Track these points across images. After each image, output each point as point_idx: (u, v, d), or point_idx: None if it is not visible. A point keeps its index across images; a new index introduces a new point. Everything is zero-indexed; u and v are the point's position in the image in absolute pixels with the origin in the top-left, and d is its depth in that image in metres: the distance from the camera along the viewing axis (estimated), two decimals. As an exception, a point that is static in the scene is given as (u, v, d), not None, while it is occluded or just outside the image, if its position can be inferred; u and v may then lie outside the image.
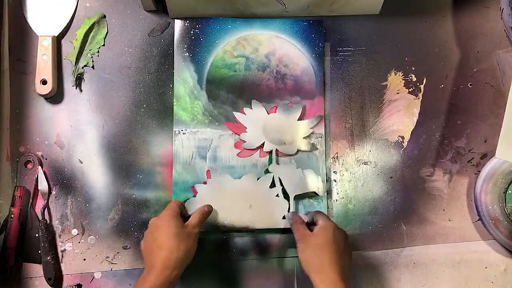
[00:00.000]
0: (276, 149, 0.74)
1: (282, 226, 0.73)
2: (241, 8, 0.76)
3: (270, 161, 0.74)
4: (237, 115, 0.75)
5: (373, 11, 0.78)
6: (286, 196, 0.74)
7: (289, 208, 0.73)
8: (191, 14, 0.76)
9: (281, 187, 0.73)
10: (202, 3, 0.74)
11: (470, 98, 0.77)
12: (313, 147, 0.74)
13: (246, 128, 0.75)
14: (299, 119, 0.75)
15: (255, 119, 0.75)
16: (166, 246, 0.62)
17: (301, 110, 0.75)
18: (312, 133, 0.75)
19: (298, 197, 0.74)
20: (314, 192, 0.74)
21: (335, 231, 0.65)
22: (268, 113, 0.75)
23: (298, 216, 0.70)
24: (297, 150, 0.74)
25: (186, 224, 0.66)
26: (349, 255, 0.65)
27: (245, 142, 0.74)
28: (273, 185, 0.74)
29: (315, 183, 0.74)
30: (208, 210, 0.70)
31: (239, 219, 0.73)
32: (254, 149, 0.74)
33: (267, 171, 0.74)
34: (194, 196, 0.73)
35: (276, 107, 0.75)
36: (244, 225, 0.73)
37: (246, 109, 0.75)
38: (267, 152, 0.74)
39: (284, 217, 0.73)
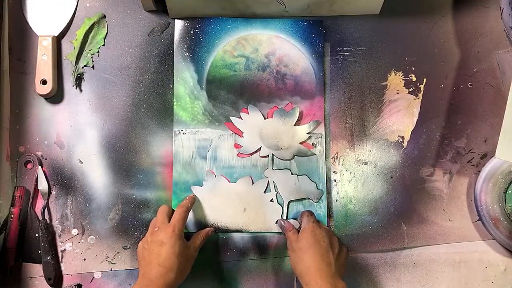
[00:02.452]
0: (273, 153, 0.74)
1: (275, 231, 0.73)
2: (241, 8, 0.76)
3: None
4: (234, 120, 0.75)
5: (373, 11, 0.78)
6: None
7: (282, 214, 0.73)
8: (191, 14, 0.76)
9: (276, 192, 0.74)
10: (202, 3, 0.74)
11: (470, 98, 0.77)
12: (310, 153, 0.74)
13: (242, 133, 0.75)
14: (296, 123, 0.75)
15: (252, 124, 0.75)
16: (169, 265, 0.63)
17: (297, 115, 0.75)
18: (309, 138, 0.75)
19: (296, 199, 0.74)
20: (309, 198, 0.74)
21: (314, 232, 0.66)
22: (265, 118, 0.75)
23: (288, 224, 0.71)
24: (293, 155, 0.74)
25: (188, 245, 0.67)
26: (336, 250, 0.66)
27: (242, 147, 0.75)
28: (268, 190, 0.74)
29: (310, 189, 0.74)
30: (212, 234, 0.72)
31: (233, 221, 0.73)
32: (250, 154, 0.75)
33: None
34: None
35: (277, 107, 0.75)
36: (237, 227, 0.73)
37: (243, 114, 0.75)
38: (263, 157, 0.74)
39: (277, 222, 0.73)
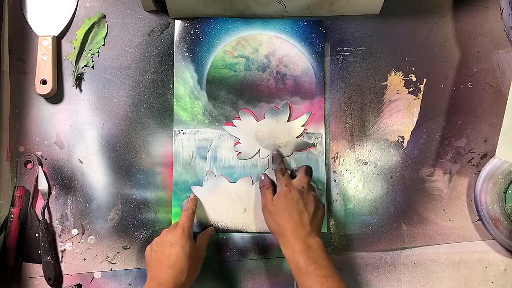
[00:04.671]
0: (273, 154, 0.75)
1: None
2: (241, 8, 0.76)
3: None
4: (228, 128, 0.75)
5: (373, 11, 0.78)
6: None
7: None
8: (191, 14, 0.76)
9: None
10: (202, 3, 0.74)
11: (470, 98, 0.77)
12: (309, 144, 0.74)
13: (239, 139, 0.75)
14: (289, 119, 0.75)
15: (246, 129, 0.75)
16: (179, 267, 0.63)
17: (289, 111, 0.75)
18: (306, 133, 0.75)
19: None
20: None
21: (287, 197, 0.66)
22: (257, 121, 0.75)
23: (267, 181, 0.71)
24: (293, 150, 0.74)
25: (197, 246, 0.67)
26: (311, 209, 0.66)
27: (241, 153, 0.75)
28: None
29: None
30: (213, 233, 0.72)
31: (233, 222, 0.73)
32: (250, 158, 0.75)
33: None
34: None
35: (277, 107, 0.75)
36: (237, 228, 0.73)
37: (235, 121, 0.75)
38: (264, 158, 0.75)
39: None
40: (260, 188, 0.71)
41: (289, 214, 0.65)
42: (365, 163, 0.76)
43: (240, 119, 0.75)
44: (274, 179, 0.73)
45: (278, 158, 0.73)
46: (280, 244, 0.65)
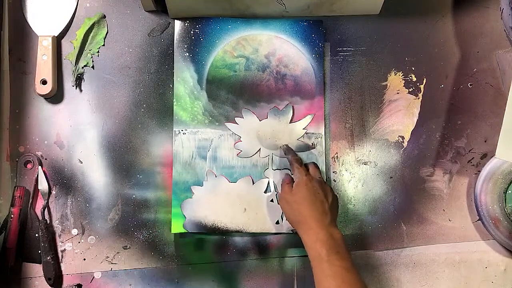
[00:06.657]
0: (273, 153, 0.74)
1: (275, 231, 0.73)
2: (241, 8, 0.76)
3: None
4: (230, 126, 0.75)
5: (373, 11, 0.78)
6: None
7: (282, 214, 0.73)
8: (191, 14, 0.76)
9: (276, 192, 0.74)
10: (202, 3, 0.74)
11: (470, 98, 0.77)
12: (309, 147, 0.75)
13: (240, 137, 0.75)
14: (291, 121, 0.75)
15: (248, 127, 0.75)
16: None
17: (291, 113, 0.75)
18: (306, 133, 0.75)
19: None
20: None
21: (307, 185, 0.67)
22: (260, 120, 0.75)
23: (288, 178, 0.71)
24: None
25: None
26: (330, 199, 0.67)
27: (241, 151, 0.75)
28: (268, 190, 0.74)
29: None
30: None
31: (233, 222, 0.73)
32: (250, 156, 0.75)
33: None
34: (190, 197, 0.74)
35: (277, 107, 0.75)
36: (237, 228, 0.73)
37: (237, 119, 0.75)
38: (263, 158, 0.75)
39: (277, 222, 0.73)
40: (281, 184, 0.72)
41: (311, 203, 0.66)
42: (365, 163, 0.76)
43: (243, 117, 0.75)
44: (276, 178, 0.73)
45: (291, 151, 0.73)
46: (300, 233, 0.65)
